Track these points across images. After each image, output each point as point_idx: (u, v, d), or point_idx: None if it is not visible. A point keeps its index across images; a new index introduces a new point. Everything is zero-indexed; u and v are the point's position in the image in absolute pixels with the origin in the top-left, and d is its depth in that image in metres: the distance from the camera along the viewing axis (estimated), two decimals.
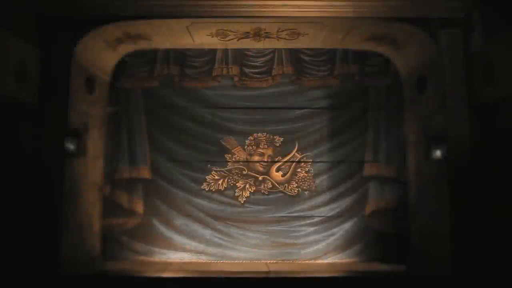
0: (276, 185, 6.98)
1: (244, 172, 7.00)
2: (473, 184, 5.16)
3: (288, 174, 7.00)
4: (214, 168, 6.96)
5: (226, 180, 6.96)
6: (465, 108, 5.31)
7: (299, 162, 6.99)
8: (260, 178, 6.99)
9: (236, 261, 6.70)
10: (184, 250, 6.77)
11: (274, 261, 6.69)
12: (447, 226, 5.23)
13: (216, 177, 6.96)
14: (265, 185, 6.97)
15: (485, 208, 5.06)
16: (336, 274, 6.01)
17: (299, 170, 7.00)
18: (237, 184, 6.97)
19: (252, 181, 6.97)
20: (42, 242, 5.07)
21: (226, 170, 6.99)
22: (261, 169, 7.02)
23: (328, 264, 6.70)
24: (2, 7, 4.55)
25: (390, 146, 6.77)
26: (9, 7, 4.70)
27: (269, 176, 7.00)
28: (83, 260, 5.72)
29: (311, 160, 6.97)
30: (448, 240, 5.20)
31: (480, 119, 5.23)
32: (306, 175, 6.96)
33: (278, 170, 7.02)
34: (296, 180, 6.98)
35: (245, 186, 6.97)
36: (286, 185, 6.99)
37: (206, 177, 6.93)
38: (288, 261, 6.68)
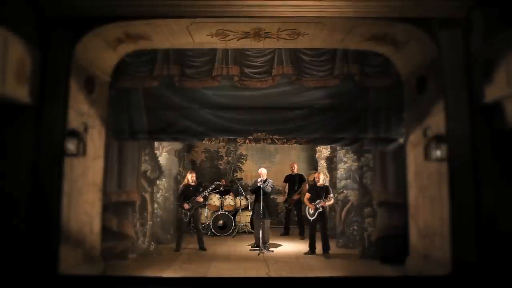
0: None
1: None
2: (473, 184, 5.15)
3: None
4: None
5: None
6: (465, 108, 5.28)
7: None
8: None
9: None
10: None
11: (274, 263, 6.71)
12: (447, 226, 5.22)
13: None
14: None
15: (484, 208, 5.05)
16: (336, 274, 6.01)
17: None
18: None
19: None
20: (42, 242, 5.06)
21: None
22: None
23: (328, 264, 6.71)
24: (2, 7, 4.54)
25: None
26: (9, 7, 4.69)
27: None
28: (83, 260, 5.71)
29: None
30: (448, 240, 5.19)
31: (480, 119, 5.21)
32: None
33: None
34: None
35: None
36: None
37: None
38: None
